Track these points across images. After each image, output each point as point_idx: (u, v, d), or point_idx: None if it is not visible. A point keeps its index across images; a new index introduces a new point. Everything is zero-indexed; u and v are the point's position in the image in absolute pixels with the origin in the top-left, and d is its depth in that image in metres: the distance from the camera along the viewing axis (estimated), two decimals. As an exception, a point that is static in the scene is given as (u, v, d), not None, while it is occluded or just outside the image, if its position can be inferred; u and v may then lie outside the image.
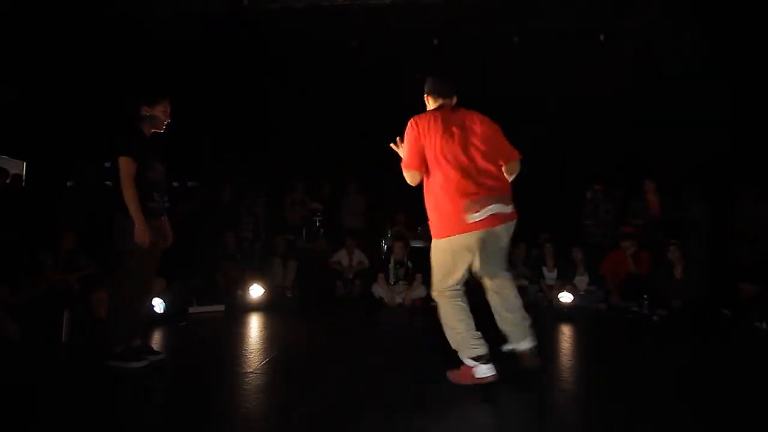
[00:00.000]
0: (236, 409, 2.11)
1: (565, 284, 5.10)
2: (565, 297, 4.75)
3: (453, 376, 2.38)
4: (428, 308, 5.20)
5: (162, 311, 4.04)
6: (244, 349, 3.27)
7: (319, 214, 6.73)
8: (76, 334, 3.30)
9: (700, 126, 6.27)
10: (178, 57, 6.13)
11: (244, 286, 5.01)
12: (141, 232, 2.62)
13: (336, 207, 6.99)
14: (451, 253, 2.40)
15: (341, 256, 6.06)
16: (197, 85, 6.31)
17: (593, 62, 6.06)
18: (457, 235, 2.33)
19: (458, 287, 2.46)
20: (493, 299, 2.50)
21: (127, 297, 2.71)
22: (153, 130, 2.85)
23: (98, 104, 6.49)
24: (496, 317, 2.49)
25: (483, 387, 2.27)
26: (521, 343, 2.44)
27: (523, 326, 2.47)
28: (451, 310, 2.42)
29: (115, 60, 6.08)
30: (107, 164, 8.18)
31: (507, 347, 2.49)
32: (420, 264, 5.63)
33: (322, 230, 6.72)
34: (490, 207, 2.31)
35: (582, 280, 5.41)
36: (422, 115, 2.49)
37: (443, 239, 2.39)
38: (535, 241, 6.01)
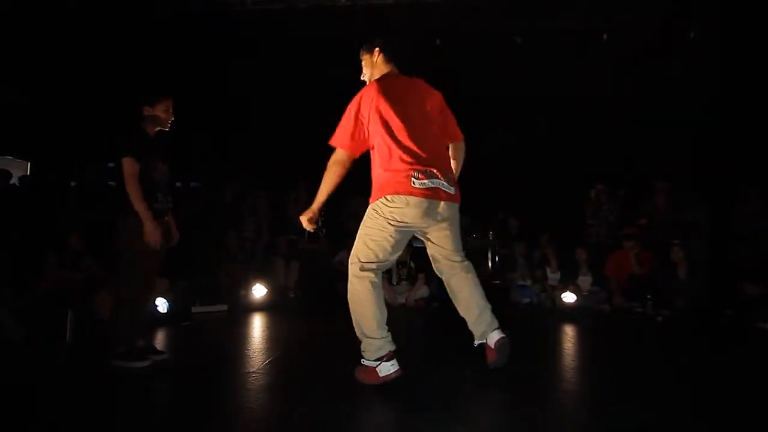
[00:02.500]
0: (239, 408, 2.11)
1: (568, 284, 5.09)
2: (568, 297, 4.75)
3: (359, 375, 2.29)
4: (431, 308, 5.22)
5: (165, 311, 4.05)
6: (247, 349, 3.28)
7: (321, 214, 6.72)
8: (79, 334, 3.31)
9: (703, 126, 6.25)
10: (179, 57, 6.14)
11: (247, 286, 5.02)
12: (150, 232, 2.62)
13: (338, 207, 6.99)
14: (390, 219, 2.20)
15: (344, 257, 6.05)
16: (199, 85, 6.33)
17: (596, 61, 6.04)
18: (400, 196, 2.17)
19: (382, 269, 2.31)
20: (452, 286, 2.41)
21: (131, 298, 2.71)
22: (157, 129, 2.86)
23: (101, 104, 6.51)
24: (457, 306, 2.42)
25: (485, 387, 2.27)
26: (490, 333, 2.34)
27: (487, 312, 2.36)
28: (365, 293, 2.25)
29: (117, 60, 6.10)
30: (111, 164, 8.20)
31: (477, 342, 2.41)
32: (422, 264, 5.63)
33: (324, 230, 6.71)
34: (435, 180, 2.21)
35: (585, 281, 5.40)
36: (366, 88, 2.31)
37: (385, 199, 2.19)
38: (538, 241, 6.01)
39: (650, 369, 2.87)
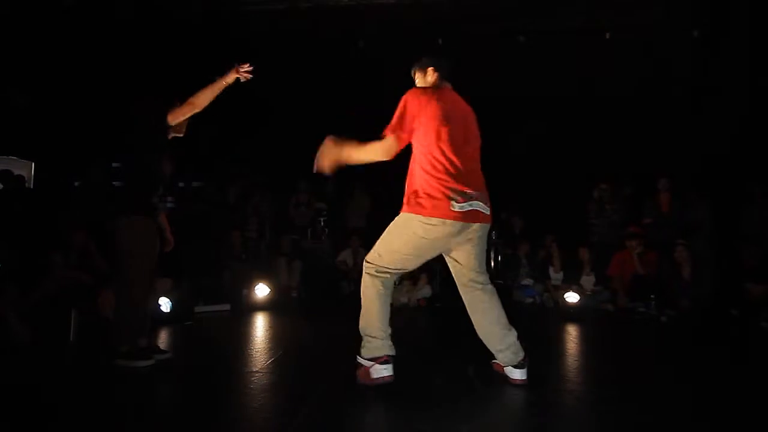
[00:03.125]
0: (241, 408, 2.12)
1: (571, 284, 5.07)
2: (572, 297, 4.73)
3: (358, 371, 2.30)
4: (433, 308, 5.21)
5: (168, 311, 4.06)
6: (250, 349, 3.28)
7: (324, 213, 6.74)
8: (83, 333, 3.32)
9: (707, 125, 6.22)
10: (181, 57, 6.16)
11: (250, 286, 5.03)
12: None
13: (341, 207, 7.00)
14: (422, 235, 2.21)
15: (346, 256, 6.07)
16: (200, 86, 6.33)
17: (599, 60, 6.03)
18: (438, 218, 2.17)
19: (397, 276, 2.32)
20: (472, 308, 2.37)
21: (133, 298, 2.72)
22: (173, 135, 2.89)
23: (104, 105, 6.53)
24: (477, 329, 2.36)
25: (487, 388, 2.27)
26: (512, 368, 2.29)
27: (511, 341, 2.29)
28: (375, 293, 2.28)
29: (121, 61, 6.12)
30: (115, 164, 8.25)
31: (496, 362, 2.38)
32: (424, 264, 5.62)
33: (326, 230, 6.73)
34: (473, 202, 2.22)
35: (588, 280, 5.38)
36: (428, 89, 2.31)
37: (422, 217, 2.20)
38: (541, 241, 5.99)
39: (654, 369, 2.86)
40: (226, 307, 4.68)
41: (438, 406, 2.08)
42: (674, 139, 6.47)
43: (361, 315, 2.32)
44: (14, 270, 4.17)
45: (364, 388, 2.25)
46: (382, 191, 7.02)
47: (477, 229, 2.28)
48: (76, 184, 6.65)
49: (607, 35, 5.85)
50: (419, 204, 2.21)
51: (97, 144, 6.68)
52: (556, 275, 5.53)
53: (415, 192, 2.25)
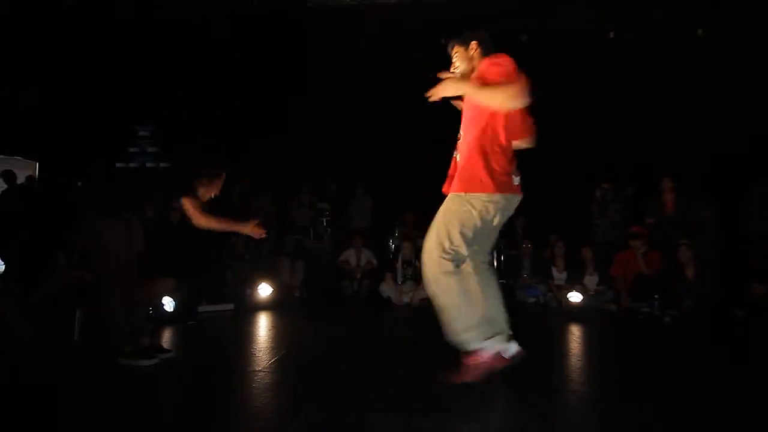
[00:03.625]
0: (244, 407, 2.12)
1: (575, 284, 5.06)
2: (575, 297, 4.72)
3: (469, 374, 2.19)
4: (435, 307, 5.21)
5: (172, 310, 4.08)
6: (253, 348, 3.29)
7: (327, 213, 6.75)
8: (87, 333, 3.34)
9: (711, 124, 6.19)
10: (184, 57, 6.18)
11: (253, 286, 5.04)
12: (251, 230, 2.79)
13: (343, 207, 7.00)
14: (486, 213, 2.17)
15: (349, 256, 6.07)
16: (201, 85, 6.36)
17: (603, 59, 6.01)
18: (501, 194, 2.17)
19: (460, 262, 2.23)
20: (490, 286, 2.34)
21: (118, 297, 2.67)
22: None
23: (108, 105, 6.56)
24: (491, 310, 2.31)
25: (490, 387, 2.26)
26: (508, 341, 2.26)
27: (504, 316, 2.31)
28: (459, 290, 2.18)
29: (124, 62, 6.14)
30: (118, 164, 8.27)
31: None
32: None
33: (329, 230, 6.74)
34: (518, 177, 2.26)
35: (591, 280, 5.36)
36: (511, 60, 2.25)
37: (484, 194, 2.15)
38: (545, 241, 5.98)
39: (657, 369, 2.86)
40: (230, 306, 4.69)
41: (441, 406, 2.08)
42: (677, 138, 6.45)
43: (447, 319, 2.21)
44: (18, 270, 4.19)
45: (366, 387, 2.25)
46: (383, 191, 7.04)
47: (516, 203, 2.30)
48: (80, 184, 6.68)
49: (611, 35, 5.83)
50: (481, 184, 2.18)
51: (100, 144, 6.70)
52: (559, 275, 5.51)
53: (476, 174, 2.20)
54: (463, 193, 2.23)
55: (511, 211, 2.32)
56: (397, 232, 6.69)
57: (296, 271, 5.84)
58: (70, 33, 5.60)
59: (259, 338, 3.71)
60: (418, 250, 5.77)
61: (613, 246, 5.65)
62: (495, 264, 6.41)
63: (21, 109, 6.21)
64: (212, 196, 2.91)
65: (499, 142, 2.24)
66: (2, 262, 5.10)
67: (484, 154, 2.22)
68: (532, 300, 5.52)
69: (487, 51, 2.38)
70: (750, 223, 5.41)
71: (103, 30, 5.68)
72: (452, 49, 2.49)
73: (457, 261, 2.22)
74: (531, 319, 4.68)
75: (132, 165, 8.46)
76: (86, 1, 5.28)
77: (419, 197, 6.82)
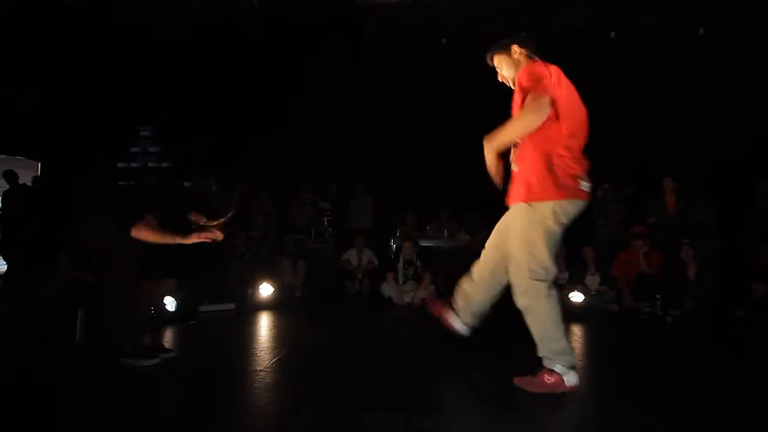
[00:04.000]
0: (245, 407, 2.12)
1: (576, 284, 5.06)
2: (576, 297, 4.72)
3: (532, 385, 2.16)
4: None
5: (173, 310, 4.08)
6: (254, 348, 3.30)
7: (328, 213, 6.75)
8: (89, 333, 3.35)
9: (712, 124, 6.18)
10: (184, 57, 6.18)
11: (254, 286, 5.04)
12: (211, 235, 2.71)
13: (344, 207, 7.01)
14: (557, 221, 2.06)
15: (350, 256, 6.08)
16: (202, 85, 6.37)
17: (603, 59, 6.00)
18: (569, 200, 2.05)
19: (550, 278, 2.13)
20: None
21: (118, 297, 2.68)
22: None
23: (110, 106, 6.57)
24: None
25: (491, 387, 2.26)
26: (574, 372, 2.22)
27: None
28: (551, 310, 2.12)
29: (127, 62, 6.15)
30: (120, 164, 8.29)
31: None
32: (429, 263, 5.62)
33: (330, 230, 6.75)
34: (587, 182, 2.14)
35: (593, 280, 5.36)
36: (552, 67, 2.14)
37: (551, 202, 2.05)
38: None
39: (658, 369, 2.85)
40: (231, 306, 4.70)
41: (442, 406, 2.08)
42: (678, 138, 6.44)
43: (540, 335, 2.18)
44: (20, 269, 4.20)
45: (368, 387, 2.25)
46: (384, 191, 7.04)
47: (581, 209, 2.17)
48: (81, 184, 6.70)
49: (612, 34, 5.82)
50: (547, 191, 2.06)
51: (102, 144, 6.71)
52: (560, 275, 5.50)
53: (541, 181, 2.08)
54: (528, 204, 2.12)
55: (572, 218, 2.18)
56: (398, 231, 6.69)
57: (297, 271, 5.84)
58: (70, 33, 5.60)
59: (260, 338, 3.71)
60: (419, 250, 5.77)
61: (614, 246, 5.64)
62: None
63: (21, 109, 6.23)
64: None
65: (562, 143, 2.09)
66: (4, 262, 5.12)
67: (547, 158, 2.09)
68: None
69: (530, 51, 2.26)
70: (752, 223, 5.40)
71: (104, 30, 5.69)
72: (492, 59, 2.35)
73: (548, 279, 2.14)
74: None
75: (133, 165, 8.48)
76: (86, 1, 5.29)
77: (420, 197, 6.86)
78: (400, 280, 5.51)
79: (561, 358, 2.16)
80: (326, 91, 6.95)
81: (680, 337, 3.93)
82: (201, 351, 3.33)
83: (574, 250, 5.56)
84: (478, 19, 5.64)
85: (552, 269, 2.14)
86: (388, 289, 5.41)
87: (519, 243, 2.15)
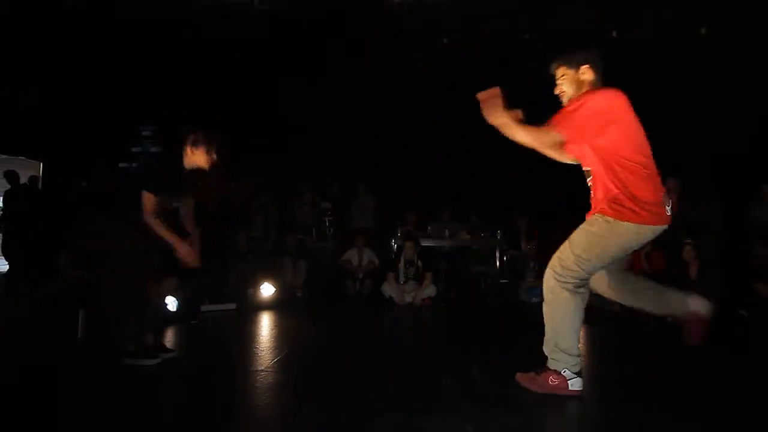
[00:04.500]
0: (246, 406, 2.13)
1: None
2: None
3: (535, 384, 2.16)
4: (438, 307, 5.21)
5: (174, 310, 4.09)
6: (255, 348, 3.30)
7: (329, 213, 6.76)
8: (90, 332, 3.35)
9: (715, 124, 6.17)
10: (185, 57, 6.19)
11: (255, 285, 5.05)
12: (186, 254, 2.69)
13: (345, 207, 7.01)
14: (628, 242, 2.07)
15: (351, 256, 6.08)
16: (203, 85, 6.37)
17: (604, 59, 5.98)
18: (649, 226, 2.05)
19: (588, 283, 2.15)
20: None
21: (125, 296, 2.68)
22: (194, 167, 2.85)
23: (112, 106, 6.57)
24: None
25: (493, 387, 2.26)
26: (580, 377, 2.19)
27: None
28: (566, 311, 2.13)
29: (128, 62, 6.15)
30: (122, 165, 8.29)
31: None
32: (430, 263, 5.62)
33: (331, 230, 6.75)
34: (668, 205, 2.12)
35: (594, 280, 5.35)
36: (618, 92, 2.13)
37: (632, 224, 2.03)
38: (549, 241, 5.97)
39: (659, 370, 2.85)
40: (232, 306, 4.70)
41: (443, 406, 2.08)
42: (680, 138, 6.42)
43: (551, 331, 2.19)
44: (22, 269, 4.21)
45: (369, 386, 2.25)
46: (385, 191, 7.04)
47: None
48: (83, 184, 6.71)
49: (614, 34, 5.81)
50: (624, 210, 2.04)
51: (103, 144, 6.72)
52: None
53: (622, 197, 2.05)
54: (604, 218, 2.09)
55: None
56: (399, 231, 6.70)
57: (298, 271, 5.84)
58: (70, 33, 5.60)
59: (261, 338, 3.71)
60: (420, 250, 5.77)
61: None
62: (497, 264, 6.41)
63: (21, 109, 6.24)
64: (204, 165, 2.83)
65: (640, 165, 2.08)
66: (6, 262, 5.13)
67: (619, 180, 2.07)
68: (535, 300, 5.50)
69: (598, 76, 2.23)
70: (755, 223, 5.39)
71: (104, 30, 5.69)
72: (557, 68, 2.31)
73: (576, 282, 2.13)
74: (533, 319, 4.67)
75: (135, 165, 8.49)
76: (86, 1, 5.29)
77: (421, 197, 6.86)
78: (401, 280, 5.51)
79: (568, 360, 2.14)
80: (327, 91, 6.95)
81: (681, 337, 3.92)
82: (202, 351, 3.34)
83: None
84: (478, 19, 5.63)
85: (586, 271, 2.13)
86: (389, 289, 5.41)
87: (577, 249, 2.15)
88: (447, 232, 6.47)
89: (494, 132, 2.25)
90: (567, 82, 2.25)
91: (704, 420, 1.99)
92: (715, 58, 5.82)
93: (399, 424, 1.87)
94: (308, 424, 1.91)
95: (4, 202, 6.31)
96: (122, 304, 2.69)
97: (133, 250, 2.74)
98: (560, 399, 2.20)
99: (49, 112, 6.74)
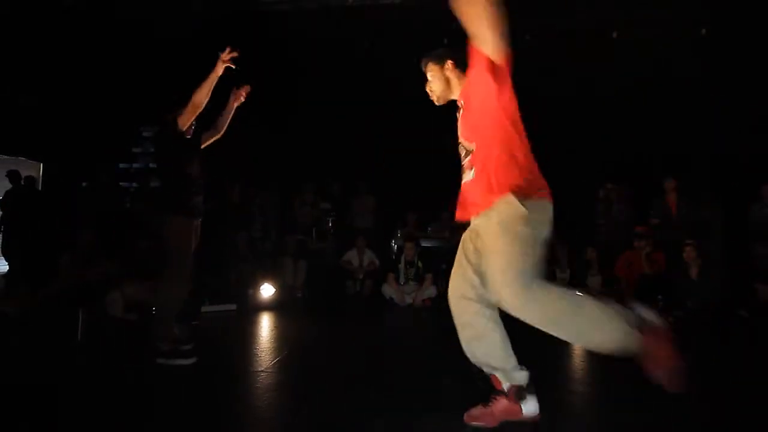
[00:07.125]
0: (247, 407, 2.12)
1: (578, 284, 5.05)
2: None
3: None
4: (438, 308, 5.20)
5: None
6: (255, 348, 3.30)
7: (330, 214, 6.76)
8: (90, 333, 3.35)
9: (715, 124, 6.16)
10: (185, 58, 6.18)
11: (255, 286, 5.04)
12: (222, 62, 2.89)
13: (346, 207, 7.01)
14: (539, 222, 1.80)
15: (352, 256, 6.07)
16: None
17: (605, 59, 5.99)
18: (546, 200, 1.85)
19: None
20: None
21: (176, 296, 2.77)
22: (211, 138, 3.13)
23: (112, 106, 6.57)
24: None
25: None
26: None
27: None
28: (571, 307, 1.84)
29: (129, 62, 6.15)
30: (122, 165, 8.30)
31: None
32: (430, 264, 5.62)
33: (332, 230, 6.75)
34: None
35: (595, 281, 5.35)
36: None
37: (532, 200, 1.80)
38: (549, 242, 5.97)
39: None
40: (232, 307, 4.70)
41: (444, 406, 2.08)
42: (681, 138, 6.42)
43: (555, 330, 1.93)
44: (23, 270, 4.21)
45: (369, 387, 2.25)
46: (386, 191, 7.03)
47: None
48: (84, 184, 6.71)
49: (615, 34, 5.80)
50: (520, 182, 1.84)
51: (104, 145, 6.72)
52: (562, 275, 5.50)
53: (514, 166, 1.87)
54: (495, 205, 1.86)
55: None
56: (399, 232, 6.69)
57: (299, 272, 5.84)
58: (70, 33, 5.60)
59: (261, 338, 3.71)
60: (420, 251, 5.77)
61: (616, 246, 5.63)
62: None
63: (21, 109, 6.24)
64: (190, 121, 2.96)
65: (524, 141, 1.94)
66: (5, 263, 5.13)
67: (513, 156, 1.89)
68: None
69: (464, 71, 2.11)
70: (756, 224, 5.38)
71: (105, 30, 5.69)
72: (425, 66, 2.26)
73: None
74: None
75: (135, 165, 8.50)
76: (86, 1, 5.29)
77: (422, 198, 6.85)
78: (402, 280, 5.50)
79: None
80: (327, 91, 6.95)
81: (682, 338, 3.91)
82: (202, 351, 3.33)
83: (576, 251, 5.56)
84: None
85: (534, 273, 1.87)
86: (389, 289, 5.40)
87: (507, 259, 1.91)
88: (447, 232, 6.47)
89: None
90: (434, 78, 2.24)
91: (704, 420, 1.99)
92: (716, 58, 5.82)
93: (399, 424, 1.87)
94: (308, 424, 1.91)
95: (4, 202, 6.31)
96: (173, 303, 2.74)
97: (189, 251, 2.80)
98: (559, 399, 2.20)
99: (49, 113, 6.74)
